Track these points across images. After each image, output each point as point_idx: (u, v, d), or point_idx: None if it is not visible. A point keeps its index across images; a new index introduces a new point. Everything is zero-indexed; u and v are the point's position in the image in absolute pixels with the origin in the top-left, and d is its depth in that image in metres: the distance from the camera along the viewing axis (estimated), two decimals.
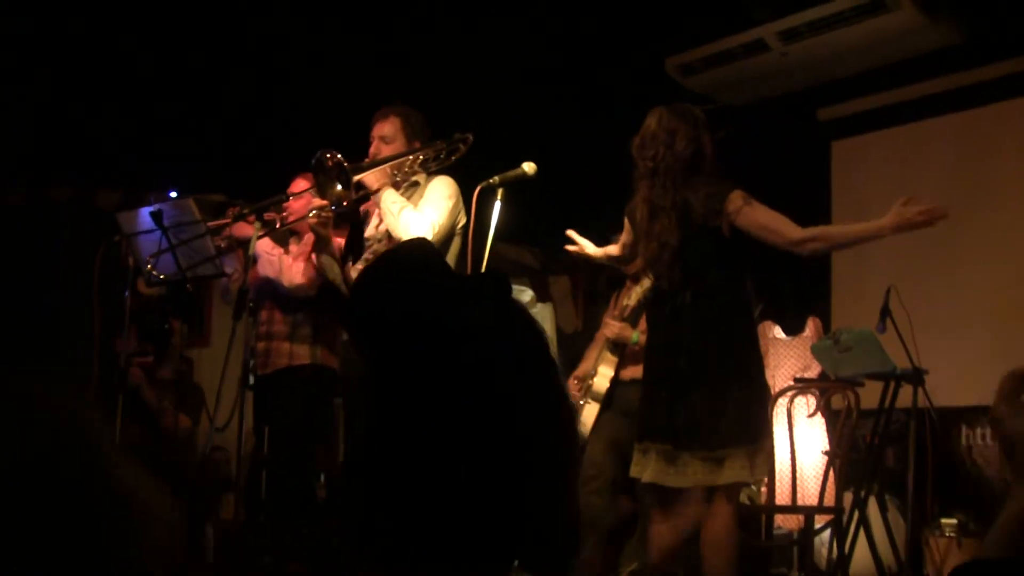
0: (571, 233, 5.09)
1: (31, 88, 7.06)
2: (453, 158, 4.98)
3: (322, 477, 6.87)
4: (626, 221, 4.69)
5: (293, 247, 5.65)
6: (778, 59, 7.09)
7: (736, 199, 4.26)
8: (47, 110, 7.22)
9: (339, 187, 4.66)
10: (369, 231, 5.11)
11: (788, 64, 7.13)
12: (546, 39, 7.01)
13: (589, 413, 5.96)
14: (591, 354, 6.21)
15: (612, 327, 5.90)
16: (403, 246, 1.47)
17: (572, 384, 6.21)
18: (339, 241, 5.22)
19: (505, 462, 1.24)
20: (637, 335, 5.60)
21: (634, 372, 5.51)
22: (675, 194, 4.32)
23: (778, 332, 6.75)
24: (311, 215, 4.94)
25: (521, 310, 1.37)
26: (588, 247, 5.05)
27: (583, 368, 6.20)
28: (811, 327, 6.66)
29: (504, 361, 1.29)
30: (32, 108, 7.19)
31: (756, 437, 4.28)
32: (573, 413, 1.38)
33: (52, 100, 7.17)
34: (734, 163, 6.90)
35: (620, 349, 5.88)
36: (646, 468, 4.33)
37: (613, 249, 4.95)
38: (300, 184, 5.43)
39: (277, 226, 5.32)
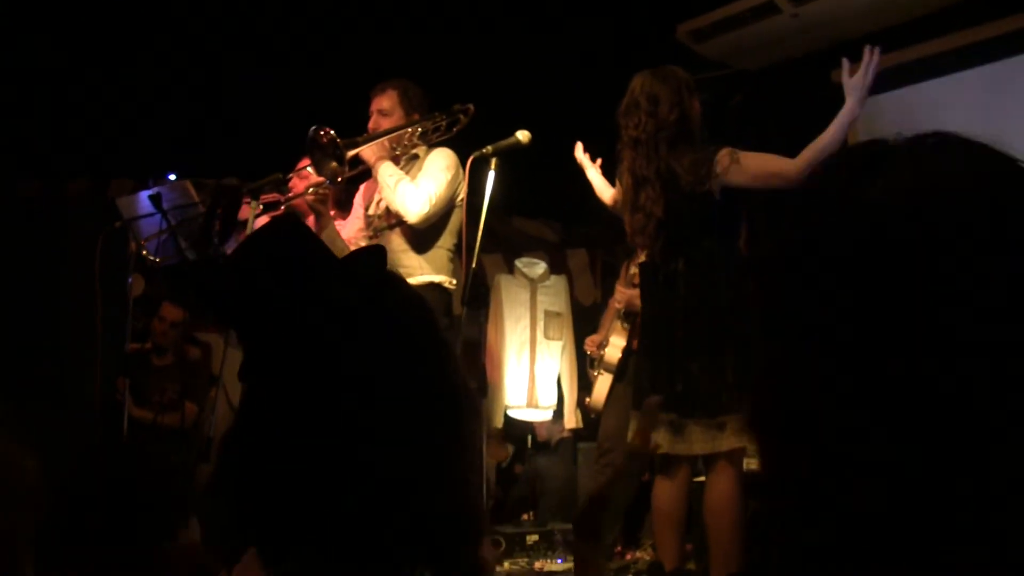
0: (580, 147, 5.04)
1: (43, 80, 7.08)
2: (455, 130, 4.94)
3: None
4: (618, 182, 4.65)
5: None
6: (789, 21, 6.98)
7: (723, 158, 4.19)
8: (59, 101, 7.24)
9: (334, 163, 4.64)
10: (371, 208, 5.09)
11: (799, 26, 7.02)
12: (555, 8, 6.94)
13: (602, 384, 5.91)
14: (604, 323, 6.18)
15: (621, 295, 5.85)
16: (271, 224, 1.39)
17: (590, 347, 6.17)
18: (341, 222, 5.18)
19: (378, 446, 1.18)
20: None
21: None
22: (659, 163, 4.24)
23: None
24: (308, 192, 4.91)
25: (400, 286, 1.31)
26: (590, 171, 4.98)
27: (596, 337, 6.17)
28: None
29: (376, 339, 1.23)
30: (45, 100, 7.21)
31: None
32: (462, 390, 1.30)
33: (64, 91, 7.19)
34: (749, 128, 6.88)
35: (631, 319, 5.83)
36: (657, 439, 4.30)
37: (607, 192, 4.88)
38: (305, 163, 5.40)
39: (281, 206, 5.29)
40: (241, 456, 1.23)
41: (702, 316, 4.22)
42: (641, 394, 4.40)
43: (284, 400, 1.21)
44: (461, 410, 1.27)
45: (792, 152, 4.32)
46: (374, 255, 1.32)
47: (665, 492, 4.37)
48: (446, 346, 1.30)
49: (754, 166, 4.20)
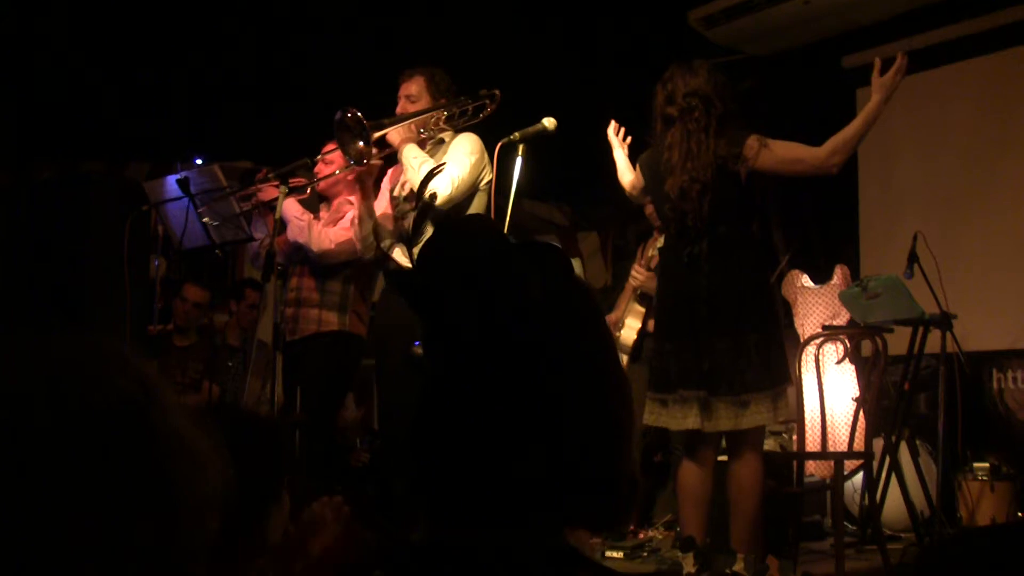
0: (614, 125, 5.13)
1: (60, 64, 7.12)
2: (481, 115, 5.01)
3: (358, 442, 6.91)
4: (637, 168, 4.77)
5: (323, 214, 5.65)
6: (801, 7, 7.05)
7: (753, 143, 4.40)
8: (76, 85, 7.28)
9: (360, 143, 4.71)
10: (396, 190, 5.16)
11: (811, 12, 7.10)
12: None
13: None
14: (620, 304, 6.26)
15: (639, 275, 5.95)
16: (463, 221, 1.50)
17: None
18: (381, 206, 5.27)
19: (558, 430, 1.29)
20: None
21: None
22: (713, 143, 4.40)
23: (806, 280, 6.74)
24: (338, 174, 5.00)
25: (577, 281, 1.41)
26: (616, 150, 5.06)
27: (612, 317, 6.25)
28: (839, 275, 6.65)
29: (559, 334, 1.33)
30: (61, 84, 7.25)
31: (777, 382, 4.38)
32: (626, 380, 1.41)
33: (81, 75, 7.23)
34: (760, 113, 6.95)
35: (647, 300, 5.92)
36: (687, 417, 4.41)
37: (627, 176, 4.98)
38: (331, 147, 5.44)
39: (307, 191, 5.35)
40: (436, 444, 1.34)
41: (725, 299, 4.35)
42: (659, 374, 4.50)
43: (475, 388, 1.31)
44: (625, 386, 1.39)
45: (806, 139, 4.49)
46: (556, 252, 1.42)
47: (694, 472, 4.48)
48: (610, 337, 1.41)
49: (782, 152, 4.43)
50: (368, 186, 5.11)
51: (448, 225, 1.47)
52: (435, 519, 1.32)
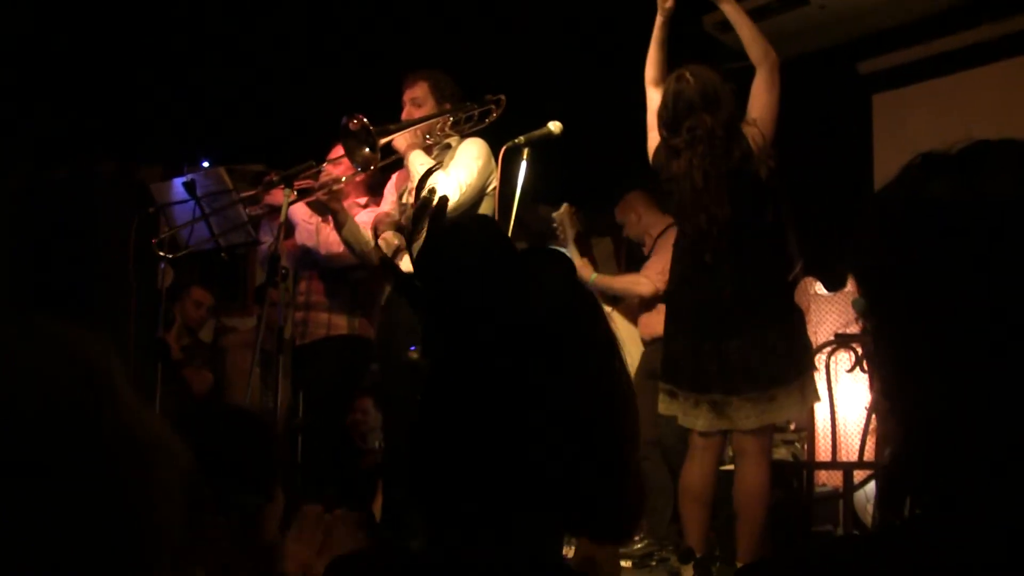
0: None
1: (74, 64, 7.13)
2: (487, 121, 4.99)
3: (377, 444, 6.89)
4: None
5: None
6: (817, 12, 7.00)
7: (749, 131, 4.37)
8: (90, 85, 7.29)
9: (367, 150, 4.69)
10: (404, 196, 5.13)
11: (827, 17, 7.03)
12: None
13: None
14: None
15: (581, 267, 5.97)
16: (466, 223, 1.46)
17: None
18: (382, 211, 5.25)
19: (563, 440, 1.27)
20: (595, 276, 5.94)
21: (654, 330, 5.56)
22: (721, 161, 4.30)
23: (820, 288, 6.68)
24: (320, 192, 4.98)
25: (582, 288, 1.38)
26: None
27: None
28: (853, 282, 6.57)
29: (561, 340, 1.31)
30: (75, 84, 7.25)
31: (804, 370, 4.34)
32: (631, 388, 1.38)
33: (94, 75, 7.24)
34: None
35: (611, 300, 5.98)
36: (698, 418, 4.36)
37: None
38: (339, 151, 5.44)
39: (316, 194, 5.33)
40: (428, 446, 1.32)
41: (746, 295, 4.27)
42: (688, 375, 4.41)
43: (476, 394, 1.29)
44: (629, 393, 1.36)
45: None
46: (561, 259, 1.39)
47: (696, 472, 4.43)
48: (616, 343, 1.37)
49: (754, 99, 4.48)
50: (339, 208, 5.12)
51: (450, 227, 1.43)
52: (433, 527, 1.31)
